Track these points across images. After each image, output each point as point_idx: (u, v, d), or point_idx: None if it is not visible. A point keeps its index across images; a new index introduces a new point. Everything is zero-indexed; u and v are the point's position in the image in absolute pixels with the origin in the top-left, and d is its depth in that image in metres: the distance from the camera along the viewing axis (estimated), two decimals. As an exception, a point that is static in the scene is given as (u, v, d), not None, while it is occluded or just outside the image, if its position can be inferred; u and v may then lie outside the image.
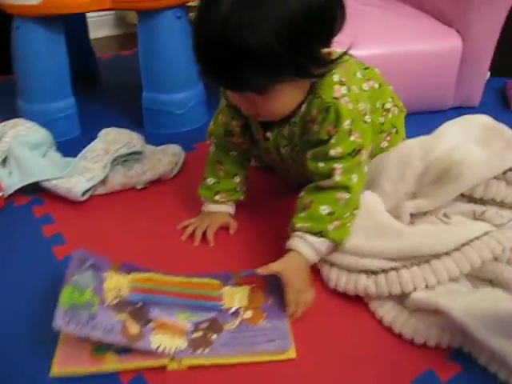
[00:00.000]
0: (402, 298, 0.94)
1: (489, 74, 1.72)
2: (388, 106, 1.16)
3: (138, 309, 0.93)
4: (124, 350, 0.87)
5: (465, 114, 1.65)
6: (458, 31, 1.60)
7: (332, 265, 1.00)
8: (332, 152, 0.96)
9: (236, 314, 0.94)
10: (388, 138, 1.17)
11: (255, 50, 0.80)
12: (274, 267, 0.95)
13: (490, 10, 1.55)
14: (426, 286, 0.91)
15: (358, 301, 0.98)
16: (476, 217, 1.02)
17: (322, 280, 1.02)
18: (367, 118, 0.99)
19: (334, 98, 0.94)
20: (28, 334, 0.92)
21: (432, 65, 1.60)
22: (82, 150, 1.33)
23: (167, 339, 0.88)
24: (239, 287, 0.98)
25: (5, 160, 1.33)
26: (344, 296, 0.98)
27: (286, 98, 0.93)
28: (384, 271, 0.94)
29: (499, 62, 1.66)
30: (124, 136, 1.35)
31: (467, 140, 1.11)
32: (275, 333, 0.90)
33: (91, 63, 2.02)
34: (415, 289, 0.92)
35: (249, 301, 0.96)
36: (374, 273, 0.95)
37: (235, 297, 0.97)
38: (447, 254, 0.92)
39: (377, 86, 1.12)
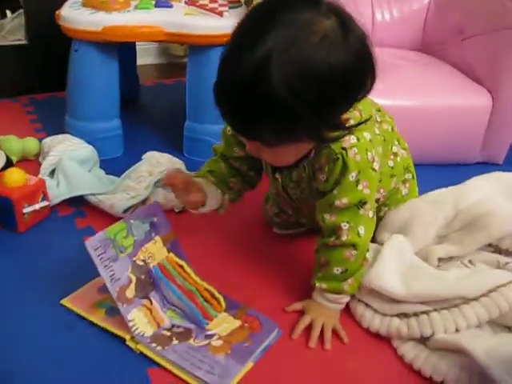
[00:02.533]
0: (423, 339, 0.99)
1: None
2: (395, 149, 1.13)
3: (147, 282, 1.01)
4: (113, 313, 0.99)
5: (489, 170, 1.72)
6: (488, 90, 1.67)
7: (367, 305, 1.05)
8: (337, 202, 0.97)
9: (209, 336, 0.99)
10: (407, 185, 1.19)
11: (272, 106, 0.78)
12: (298, 304, 1.08)
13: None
14: (456, 330, 0.96)
15: (381, 338, 1.03)
16: (499, 266, 1.08)
17: (352, 315, 1.08)
18: (375, 165, 0.98)
19: (343, 148, 0.93)
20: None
21: (460, 120, 1.67)
22: (127, 170, 1.40)
23: (142, 321, 0.97)
24: (234, 319, 1.03)
25: (52, 172, 1.41)
26: (366, 332, 1.05)
27: (292, 152, 0.94)
28: (416, 315, 0.99)
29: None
30: (166, 160, 1.43)
31: (495, 194, 1.17)
32: (221, 369, 0.91)
33: (135, 88, 2.11)
34: (445, 332, 0.96)
35: (229, 334, 1.00)
36: (407, 316, 1.00)
37: (222, 324, 1.02)
38: (475, 299, 0.97)
39: (390, 129, 1.10)
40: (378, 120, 1.06)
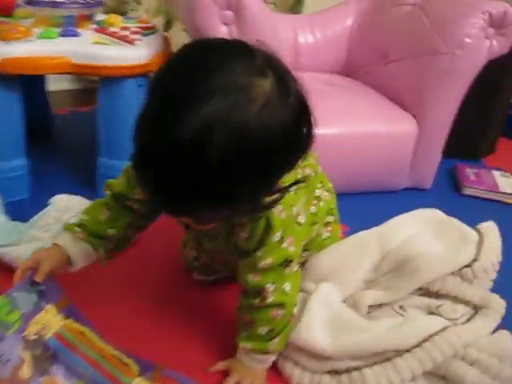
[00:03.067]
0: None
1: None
2: (318, 193, 1.07)
3: (45, 357, 0.90)
4: None
5: (417, 195, 1.75)
6: (414, 116, 1.66)
7: (296, 363, 0.98)
8: (261, 263, 0.89)
9: None
10: (329, 228, 1.13)
11: (211, 182, 0.68)
12: (222, 364, 1.00)
13: (445, 98, 1.62)
14: (389, 386, 0.91)
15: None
16: (431, 310, 1.04)
17: (282, 374, 1.00)
18: (300, 219, 0.92)
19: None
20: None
21: (387, 147, 1.65)
22: (33, 217, 1.28)
23: None
24: (149, 383, 0.93)
25: None
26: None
27: (220, 219, 0.85)
28: (347, 371, 0.93)
29: (448, 141, 1.72)
30: (77, 203, 1.31)
31: (421, 234, 1.14)
32: None
33: (46, 118, 1.96)
34: (378, 388, 0.91)
35: None
36: (338, 373, 0.94)
37: None
38: (408, 350, 0.92)
39: (313, 174, 1.02)
40: (301, 165, 0.96)
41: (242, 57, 0.70)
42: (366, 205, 1.63)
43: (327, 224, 1.12)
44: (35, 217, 1.28)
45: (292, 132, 0.72)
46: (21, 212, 1.37)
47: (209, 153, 0.65)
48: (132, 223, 1.01)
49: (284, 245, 0.89)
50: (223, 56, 0.70)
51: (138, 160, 0.72)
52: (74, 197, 1.34)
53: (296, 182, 0.84)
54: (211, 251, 1.04)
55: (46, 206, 1.36)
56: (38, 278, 0.91)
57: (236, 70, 0.68)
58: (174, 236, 1.24)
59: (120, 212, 0.99)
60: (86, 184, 1.59)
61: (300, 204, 0.92)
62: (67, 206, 1.29)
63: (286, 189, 0.82)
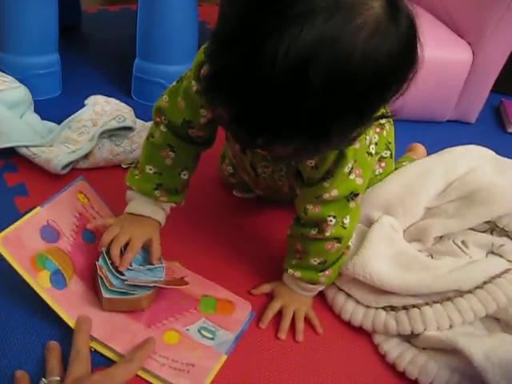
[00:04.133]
0: (408, 336, 0.89)
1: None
2: (383, 120, 0.95)
3: None
4: (58, 282, 0.82)
5: (461, 128, 1.67)
6: (469, 43, 1.55)
7: (348, 295, 0.93)
8: (326, 195, 0.82)
9: None
10: (383, 164, 1.03)
11: (313, 113, 0.57)
12: (267, 287, 0.96)
13: (507, 26, 1.50)
14: (450, 326, 0.86)
15: (361, 331, 0.92)
16: (492, 250, 0.99)
17: (332, 307, 0.96)
18: (371, 149, 0.83)
19: None
20: None
21: (438, 74, 1.54)
22: (67, 119, 1.20)
23: None
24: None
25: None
26: (346, 323, 0.94)
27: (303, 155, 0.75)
28: (405, 308, 0.88)
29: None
30: (113, 106, 1.23)
31: (485, 167, 1.06)
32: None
33: (76, 15, 1.84)
34: (438, 328, 0.86)
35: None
36: (394, 309, 0.89)
37: None
38: (470, 292, 0.88)
39: None
40: None
41: None
42: (407, 135, 1.54)
43: (382, 159, 1.03)
44: (69, 118, 1.20)
45: (399, 63, 0.60)
46: (51, 112, 1.31)
47: (306, 83, 0.55)
48: (196, 154, 0.92)
49: (351, 176, 0.81)
50: None
51: (215, 85, 0.60)
52: (110, 99, 1.25)
53: (383, 116, 0.70)
54: (266, 178, 0.96)
55: (77, 107, 1.26)
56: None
57: None
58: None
59: (184, 149, 0.89)
60: (119, 85, 1.51)
61: (372, 132, 0.83)
62: (103, 109, 1.21)
63: (373, 122, 0.69)
